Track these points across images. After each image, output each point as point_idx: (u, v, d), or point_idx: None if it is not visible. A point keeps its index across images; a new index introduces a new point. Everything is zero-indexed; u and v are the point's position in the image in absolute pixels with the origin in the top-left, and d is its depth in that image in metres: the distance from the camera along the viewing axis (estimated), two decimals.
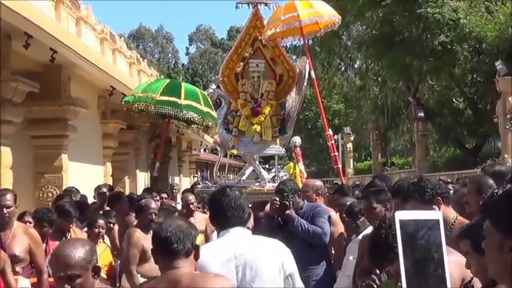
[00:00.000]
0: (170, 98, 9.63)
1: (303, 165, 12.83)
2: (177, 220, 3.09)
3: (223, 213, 3.53)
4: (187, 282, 2.86)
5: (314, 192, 6.51)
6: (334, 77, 28.05)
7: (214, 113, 9.90)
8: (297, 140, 13.06)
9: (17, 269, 5.31)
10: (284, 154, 12.24)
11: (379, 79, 25.28)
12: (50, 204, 8.37)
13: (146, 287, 4.97)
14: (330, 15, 10.20)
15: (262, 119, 9.83)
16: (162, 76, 23.10)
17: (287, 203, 5.58)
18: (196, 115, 9.73)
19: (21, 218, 6.11)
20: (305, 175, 12.25)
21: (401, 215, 1.92)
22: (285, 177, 9.99)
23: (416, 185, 3.80)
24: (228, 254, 3.40)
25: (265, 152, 10.25)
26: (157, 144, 19.55)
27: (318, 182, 6.89)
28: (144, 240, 5.74)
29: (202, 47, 66.24)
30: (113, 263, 6.52)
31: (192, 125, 10.56)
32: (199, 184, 12.57)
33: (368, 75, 25.68)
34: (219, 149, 10.86)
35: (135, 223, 6.65)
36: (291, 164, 13.54)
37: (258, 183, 9.88)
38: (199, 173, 33.60)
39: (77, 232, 6.38)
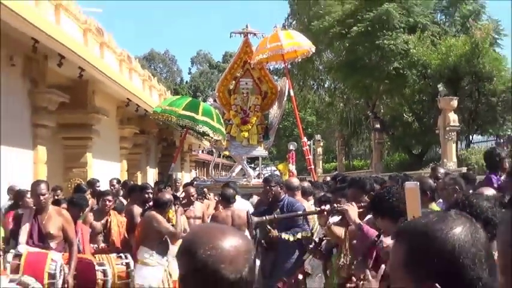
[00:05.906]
0: (190, 113, 9.35)
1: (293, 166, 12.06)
2: None
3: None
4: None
5: (295, 189, 6.17)
6: (308, 95, 29.12)
7: (223, 129, 9.86)
8: (293, 145, 12.44)
9: (52, 244, 5.40)
10: (267, 156, 12.81)
11: (345, 97, 25.93)
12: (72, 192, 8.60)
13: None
14: (306, 45, 10.62)
15: (250, 127, 10.49)
16: (169, 92, 23.31)
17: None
18: (210, 130, 9.47)
19: (57, 204, 6.22)
20: (295, 174, 11.62)
21: None
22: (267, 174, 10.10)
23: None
24: None
25: (252, 154, 10.83)
26: (164, 146, 20.08)
27: (298, 182, 6.62)
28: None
29: (202, 68, 69.10)
30: (125, 235, 6.67)
31: (205, 137, 10.79)
32: (197, 179, 12.77)
33: (335, 94, 26.61)
34: (214, 150, 11.42)
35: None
36: (283, 164, 13.04)
37: (245, 179, 10.42)
38: (196, 170, 33.83)
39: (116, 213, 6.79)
